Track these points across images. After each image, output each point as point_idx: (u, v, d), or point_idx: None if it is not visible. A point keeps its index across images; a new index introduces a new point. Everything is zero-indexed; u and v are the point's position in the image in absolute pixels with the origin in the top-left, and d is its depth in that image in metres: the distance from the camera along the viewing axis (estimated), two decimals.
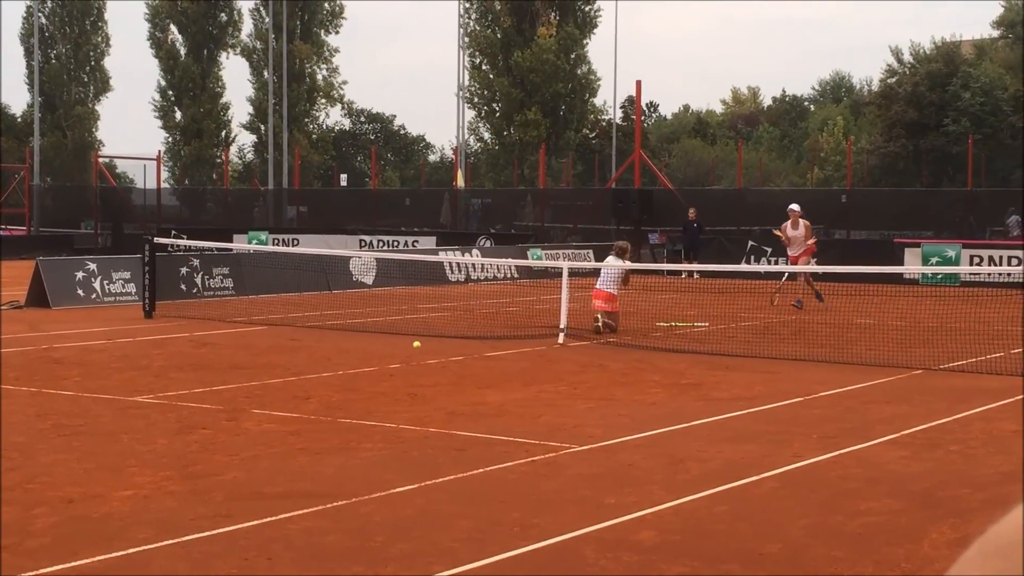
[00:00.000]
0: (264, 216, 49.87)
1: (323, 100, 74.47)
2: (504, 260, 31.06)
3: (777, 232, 23.97)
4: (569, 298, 17.81)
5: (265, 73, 67.39)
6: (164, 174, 55.36)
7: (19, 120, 75.50)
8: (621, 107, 75.64)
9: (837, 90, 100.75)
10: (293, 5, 69.05)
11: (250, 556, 6.64)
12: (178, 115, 72.58)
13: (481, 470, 8.78)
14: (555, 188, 56.31)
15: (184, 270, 23.80)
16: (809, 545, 6.98)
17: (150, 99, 73.01)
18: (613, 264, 19.00)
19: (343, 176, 61.26)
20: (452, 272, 30.07)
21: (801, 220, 23.55)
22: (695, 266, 29.73)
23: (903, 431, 10.48)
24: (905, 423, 10.85)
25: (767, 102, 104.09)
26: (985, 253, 30.28)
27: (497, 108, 66.07)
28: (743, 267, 29.81)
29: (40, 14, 69.36)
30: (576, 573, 6.52)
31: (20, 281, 24.06)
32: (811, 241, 23.79)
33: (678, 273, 30.39)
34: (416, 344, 16.07)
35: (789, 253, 24.03)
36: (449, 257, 30.51)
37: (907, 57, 66.52)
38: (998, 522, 1.54)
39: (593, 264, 30.64)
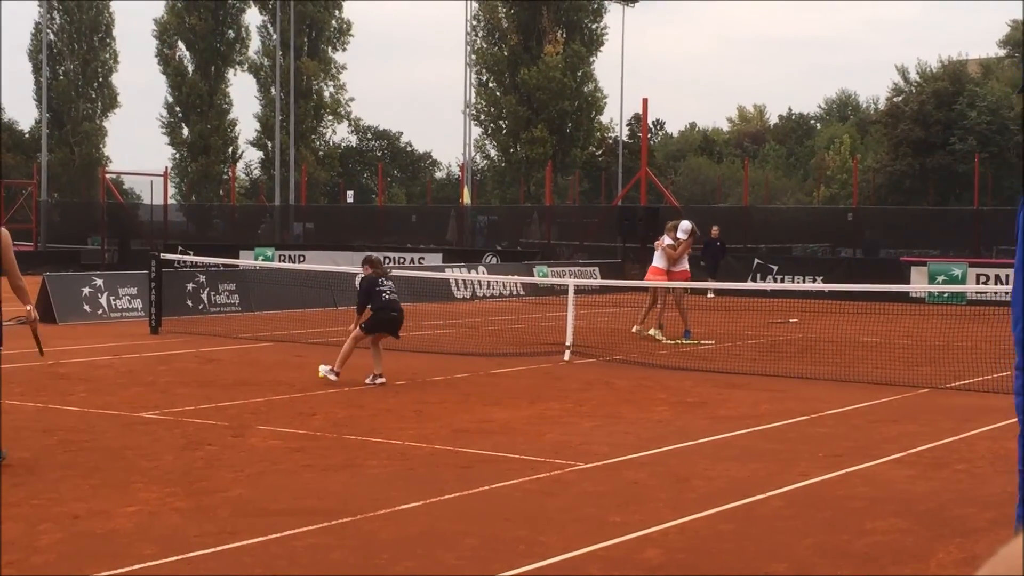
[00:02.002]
0: (270, 232, 49.95)
1: (330, 117, 74.64)
2: (510, 277, 31.07)
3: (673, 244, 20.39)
4: (575, 315, 17.81)
5: (272, 90, 67.54)
6: (171, 190, 55.57)
7: (27, 136, 75.75)
8: (627, 125, 75.82)
9: (843, 108, 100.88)
10: (301, 22, 69.26)
11: (255, 573, 6.64)
12: (185, 131, 72.78)
13: (486, 487, 8.77)
14: (561, 205, 56.37)
15: (190, 286, 23.82)
16: (815, 564, 6.96)
17: (157, 115, 73.41)
18: (661, 241, 20.43)
19: (349, 193, 61.37)
20: (458, 289, 30.08)
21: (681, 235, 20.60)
22: (712, 284, 28.99)
23: (909, 450, 10.46)
24: (911, 442, 10.83)
25: (773, 120, 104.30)
26: (992, 272, 30.25)
27: (504, 125, 66.20)
28: (749, 285, 29.78)
29: (49, 30, 69.58)
30: None
31: None
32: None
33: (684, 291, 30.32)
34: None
35: (674, 268, 20.39)
36: (455, 274, 30.51)
37: (913, 76, 66.63)
38: (1009, 543, 1.54)
39: (599, 281, 30.64)
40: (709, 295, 29.15)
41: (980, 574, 1.63)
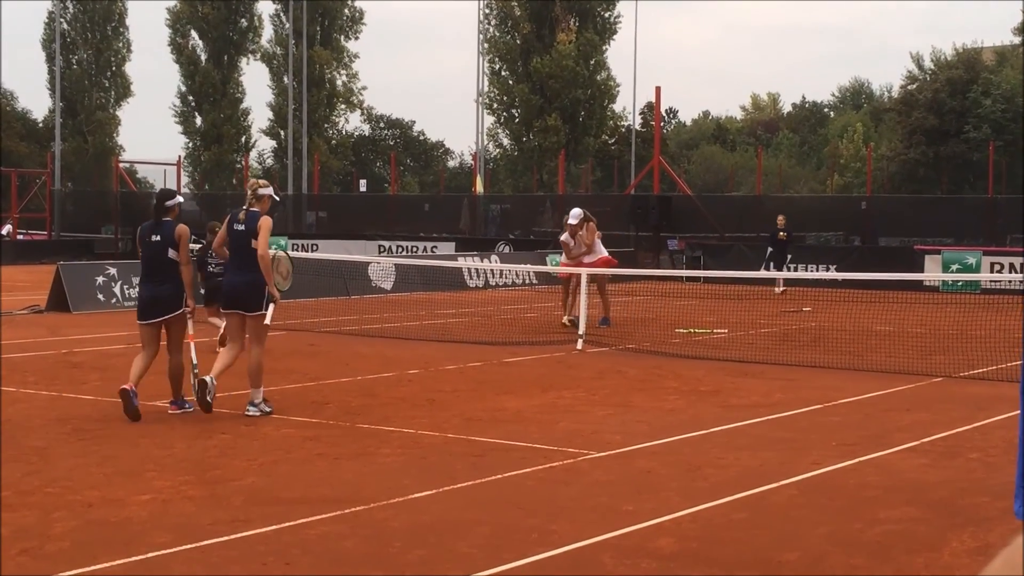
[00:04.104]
0: (283, 221, 49.97)
1: (343, 105, 74.66)
2: (523, 266, 31.04)
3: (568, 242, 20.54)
4: (588, 304, 17.79)
5: (285, 78, 67.57)
6: (184, 179, 55.64)
7: (40, 125, 75.90)
8: (640, 113, 75.64)
9: (857, 96, 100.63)
10: (313, 11, 69.24)
11: (268, 561, 6.65)
12: (198, 120, 72.87)
13: (499, 476, 8.77)
14: (574, 194, 56.21)
15: None
16: (828, 553, 6.96)
17: (170, 104, 73.49)
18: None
19: (362, 182, 61.35)
20: (471, 278, 30.09)
21: (588, 223, 20.53)
22: (778, 274, 27.58)
23: (923, 439, 10.44)
24: (925, 431, 10.81)
25: (787, 108, 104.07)
26: (1006, 260, 30.14)
27: (516, 114, 66.13)
28: (762, 273, 29.71)
29: (62, 20, 69.68)
30: None
31: (41, 285, 24.16)
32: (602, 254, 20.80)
33: (697, 279, 30.31)
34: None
35: (587, 259, 20.32)
36: (468, 263, 30.52)
37: (928, 63, 66.40)
38: (1014, 542, 1.54)
39: (612, 270, 30.58)
40: (777, 291, 27.97)
41: (988, 573, 1.63)
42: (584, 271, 18.72)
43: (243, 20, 72.71)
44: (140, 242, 11.77)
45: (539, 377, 14.22)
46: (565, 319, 20.10)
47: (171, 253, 11.50)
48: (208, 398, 11.06)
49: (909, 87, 65.97)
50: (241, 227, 11.51)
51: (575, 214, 20.49)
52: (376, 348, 17.05)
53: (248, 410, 11.32)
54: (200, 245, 16.91)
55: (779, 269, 29.04)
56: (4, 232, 48.26)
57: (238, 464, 9.14)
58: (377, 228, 43.24)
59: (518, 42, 65.51)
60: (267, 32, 73.07)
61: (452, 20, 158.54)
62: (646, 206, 37.88)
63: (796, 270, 31.33)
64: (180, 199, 12.02)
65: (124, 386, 10.94)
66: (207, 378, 11.09)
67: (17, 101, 77.40)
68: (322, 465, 9.13)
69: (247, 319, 11.50)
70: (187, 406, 11.47)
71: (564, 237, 20.67)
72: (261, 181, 11.84)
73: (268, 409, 11.37)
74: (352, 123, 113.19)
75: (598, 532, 7.26)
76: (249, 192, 11.68)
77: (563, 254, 21.14)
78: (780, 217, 30.36)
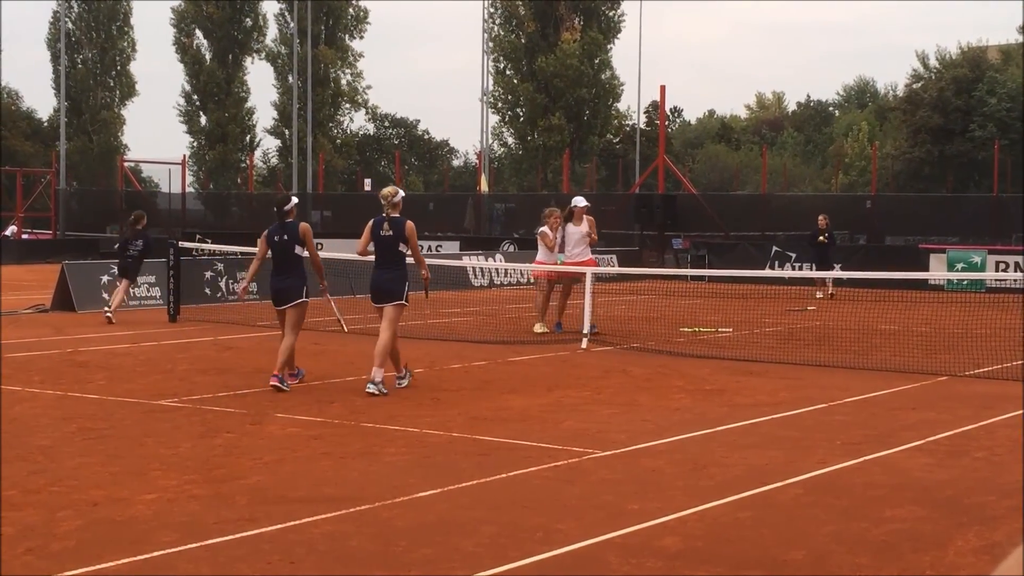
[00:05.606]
0: None
1: (347, 105, 74.70)
2: (528, 265, 31.00)
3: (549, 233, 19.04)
4: (593, 303, 17.78)
5: (290, 78, 67.62)
6: (189, 178, 55.59)
7: (45, 124, 75.98)
8: (645, 112, 75.67)
9: (862, 95, 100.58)
10: (318, 10, 69.25)
11: (273, 560, 6.65)
12: (203, 120, 72.94)
13: (504, 475, 8.77)
14: (579, 193, 56.29)
15: (208, 274, 23.87)
16: (833, 552, 6.95)
17: (175, 104, 73.51)
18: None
19: (367, 181, 61.39)
20: (475, 277, 30.08)
21: (586, 216, 18.99)
22: (825, 274, 26.79)
23: (928, 438, 10.43)
24: (930, 430, 10.80)
25: (792, 107, 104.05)
26: (1011, 259, 30.11)
27: (521, 113, 66.14)
28: (767, 272, 29.70)
29: (67, 19, 69.73)
30: None
31: (46, 285, 24.19)
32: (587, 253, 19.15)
33: (701, 278, 30.29)
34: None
35: (568, 257, 18.89)
36: (472, 262, 30.51)
37: (933, 62, 66.34)
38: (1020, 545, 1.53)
39: (617, 269, 30.58)
40: (818, 295, 26.54)
41: (999, 574, 1.63)
42: (589, 270, 18.49)
43: (247, 19, 72.77)
44: (268, 241, 13.30)
45: (544, 376, 14.21)
46: (540, 326, 19.00)
47: (297, 249, 13.14)
48: (379, 391, 12.47)
49: (914, 86, 65.94)
50: (389, 233, 12.89)
51: (583, 199, 19.14)
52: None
53: (398, 383, 13.00)
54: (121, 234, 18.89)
55: (824, 271, 27.47)
56: (8, 232, 48.32)
57: (243, 463, 9.14)
58: None
59: (523, 41, 65.53)
60: (271, 31, 73.22)
61: (457, 19, 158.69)
62: (651, 205, 37.86)
63: (801, 269, 31.30)
64: (295, 200, 13.82)
65: (272, 382, 12.56)
66: (372, 387, 12.41)
67: (22, 100, 77.55)
68: (327, 464, 9.13)
69: (388, 308, 12.86)
70: (300, 373, 13.28)
71: (544, 228, 19.02)
72: (392, 189, 13.10)
73: (406, 382, 13.08)
74: (357, 122, 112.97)
75: (603, 531, 7.26)
76: (384, 203, 12.89)
77: (541, 250, 19.28)
78: (821, 217, 28.08)
